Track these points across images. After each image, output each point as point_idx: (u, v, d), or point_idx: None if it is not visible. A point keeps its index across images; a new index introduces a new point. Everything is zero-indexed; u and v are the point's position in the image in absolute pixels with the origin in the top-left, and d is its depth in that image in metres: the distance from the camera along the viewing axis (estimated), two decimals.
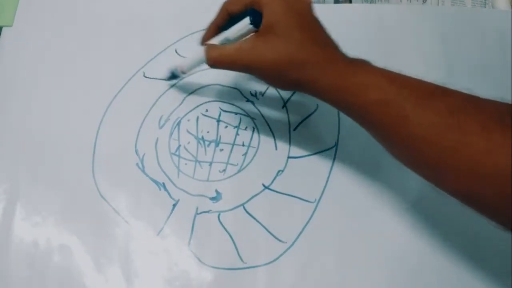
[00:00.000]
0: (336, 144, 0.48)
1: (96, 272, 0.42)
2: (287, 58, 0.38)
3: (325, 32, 0.40)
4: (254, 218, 0.45)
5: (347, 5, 0.56)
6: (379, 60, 0.52)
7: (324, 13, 0.54)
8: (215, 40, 0.43)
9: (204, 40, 0.44)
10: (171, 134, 0.48)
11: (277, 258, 0.43)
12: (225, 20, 0.42)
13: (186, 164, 0.47)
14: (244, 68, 0.40)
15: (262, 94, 0.50)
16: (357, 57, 0.38)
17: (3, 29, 0.52)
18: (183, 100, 0.50)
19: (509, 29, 0.53)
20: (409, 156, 0.36)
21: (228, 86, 0.50)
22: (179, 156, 0.47)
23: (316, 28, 0.39)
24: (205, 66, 0.42)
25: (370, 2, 0.56)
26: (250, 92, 0.50)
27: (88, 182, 0.46)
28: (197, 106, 0.49)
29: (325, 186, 0.46)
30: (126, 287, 0.42)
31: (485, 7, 0.56)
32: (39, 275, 0.42)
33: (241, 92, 0.50)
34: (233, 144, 0.48)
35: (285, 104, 0.50)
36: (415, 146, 0.34)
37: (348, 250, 0.44)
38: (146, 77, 0.51)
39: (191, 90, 0.50)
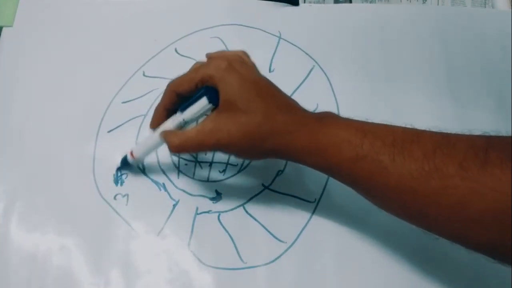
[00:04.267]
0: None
1: (96, 273, 0.42)
2: (256, 130, 0.37)
3: (284, 95, 0.39)
4: (254, 218, 0.45)
5: (347, 5, 0.56)
6: (379, 60, 0.52)
7: (324, 13, 0.55)
8: (170, 124, 0.41)
9: (155, 124, 0.42)
10: None
11: (277, 258, 0.43)
12: (173, 102, 0.41)
13: (186, 164, 0.47)
14: (213, 148, 0.39)
15: None
16: (322, 110, 0.39)
17: (3, 29, 0.52)
18: None
19: (509, 29, 0.53)
20: (393, 206, 0.35)
21: None
22: (179, 156, 0.47)
23: (276, 93, 0.39)
24: (162, 148, 0.41)
25: (370, 2, 0.56)
26: None
27: (88, 183, 0.46)
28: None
29: (325, 186, 0.46)
30: None
31: (485, 7, 0.56)
32: (39, 275, 0.42)
33: None
34: None
35: None
36: (397, 197, 0.34)
37: (347, 250, 0.44)
38: (146, 76, 0.51)
39: None
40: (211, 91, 0.38)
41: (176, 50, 0.52)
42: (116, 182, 0.46)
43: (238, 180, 0.46)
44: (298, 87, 0.51)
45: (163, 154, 0.47)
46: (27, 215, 0.44)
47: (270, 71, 0.51)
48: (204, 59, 0.50)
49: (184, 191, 0.46)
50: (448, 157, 0.32)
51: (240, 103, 0.37)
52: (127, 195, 0.45)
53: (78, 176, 0.46)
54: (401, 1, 0.56)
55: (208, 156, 0.47)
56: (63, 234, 0.44)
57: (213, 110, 0.39)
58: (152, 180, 0.46)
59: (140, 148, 0.44)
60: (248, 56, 0.41)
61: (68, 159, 0.47)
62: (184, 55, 0.52)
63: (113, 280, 0.42)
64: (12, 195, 0.45)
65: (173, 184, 0.46)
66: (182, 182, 0.46)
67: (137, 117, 0.49)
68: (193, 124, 0.40)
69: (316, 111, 0.48)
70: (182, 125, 0.40)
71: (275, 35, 0.53)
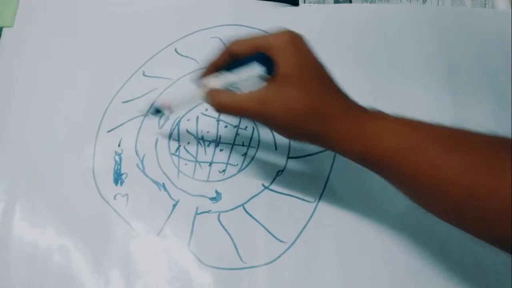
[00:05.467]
0: None
1: (96, 273, 0.42)
2: (307, 109, 0.36)
3: (337, 83, 0.39)
4: (254, 218, 0.45)
5: (347, 5, 0.56)
6: (379, 60, 0.52)
7: (324, 13, 0.55)
8: (214, 82, 0.40)
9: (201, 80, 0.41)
10: (171, 134, 0.48)
11: (277, 258, 0.43)
12: (226, 61, 0.40)
13: (186, 164, 0.47)
14: (258, 116, 0.38)
15: None
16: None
17: (4, 29, 0.52)
18: None
19: (509, 29, 0.53)
20: (437, 202, 0.33)
21: None
22: (179, 156, 0.47)
23: (331, 79, 0.38)
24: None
25: (370, 2, 0.56)
26: (250, 91, 0.50)
27: (89, 183, 0.46)
28: (197, 105, 0.49)
29: (325, 186, 0.46)
30: None
31: (485, 7, 0.56)
32: (39, 275, 0.42)
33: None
34: (233, 144, 0.48)
35: None
36: (445, 192, 0.32)
37: (347, 250, 0.44)
38: (145, 76, 0.51)
39: (191, 89, 0.50)
40: (265, 59, 0.38)
41: (176, 50, 0.52)
42: (116, 182, 0.46)
43: (238, 180, 0.46)
44: None
45: (163, 154, 0.47)
46: (27, 215, 0.44)
47: None
48: (204, 59, 0.50)
49: (184, 191, 0.46)
50: (502, 156, 0.30)
51: (297, 79, 0.37)
52: (127, 195, 0.45)
53: (78, 176, 0.46)
54: (401, 1, 0.56)
55: (208, 156, 0.47)
56: (63, 234, 0.44)
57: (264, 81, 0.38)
58: (152, 180, 0.46)
59: (177, 99, 0.42)
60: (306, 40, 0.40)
61: (68, 159, 0.47)
62: (184, 55, 0.52)
63: (113, 280, 0.42)
64: (12, 195, 0.45)
65: (173, 184, 0.46)
66: (182, 182, 0.46)
67: (137, 117, 0.49)
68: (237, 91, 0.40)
69: None
70: (228, 86, 0.40)
71: None
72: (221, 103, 0.39)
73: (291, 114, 0.36)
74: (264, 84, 0.38)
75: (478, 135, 0.33)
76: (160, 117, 0.45)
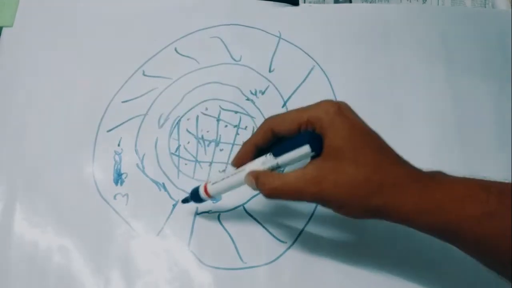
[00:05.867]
0: None
1: (96, 272, 0.42)
2: (366, 183, 0.33)
3: (394, 150, 0.36)
4: (254, 218, 0.45)
5: (347, 5, 0.56)
6: (379, 60, 0.52)
7: (324, 13, 0.55)
8: (259, 165, 0.37)
9: (239, 162, 0.39)
10: (170, 133, 0.48)
11: (277, 258, 0.43)
12: (268, 141, 0.37)
13: (186, 164, 0.47)
14: (314, 198, 0.35)
15: (262, 92, 0.50)
16: (430, 169, 0.35)
17: (3, 29, 0.52)
18: (183, 98, 0.50)
19: (509, 29, 0.53)
20: None
21: (228, 84, 0.50)
22: (179, 156, 0.47)
23: (385, 146, 0.36)
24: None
25: (370, 2, 0.56)
26: (250, 90, 0.50)
27: (88, 182, 0.46)
28: (197, 105, 0.49)
29: None
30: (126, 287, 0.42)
31: (485, 7, 0.56)
32: (39, 275, 0.42)
33: (241, 91, 0.50)
34: (233, 144, 0.48)
35: (285, 104, 0.50)
36: None
37: (347, 250, 0.44)
38: (145, 75, 0.51)
39: (191, 88, 0.50)
40: (315, 138, 0.35)
41: (176, 50, 0.52)
42: (116, 182, 0.46)
43: None
44: (298, 87, 0.51)
45: (163, 154, 0.47)
46: (27, 215, 0.44)
47: (270, 71, 0.51)
48: (204, 58, 0.51)
49: (184, 191, 0.46)
50: None
51: (349, 152, 0.34)
52: (127, 195, 0.45)
53: (78, 176, 0.46)
54: (401, 1, 0.56)
55: (208, 156, 0.47)
56: (63, 234, 0.44)
57: (312, 157, 0.36)
58: (152, 180, 0.46)
59: (219, 186, 0.39)
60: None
61: (68, 158, 0.47)
62: (184, 54, 0.52)
63: (113, 280, 0.42)
64: (12, 195, 0.45)
65: (173, 184, 0.46)
66: (182, 182, 0.46)
67: (136, 116, 0.49)
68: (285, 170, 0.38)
69: None
70: (274, 169, 0.37)
71: (275, 35, 0.53)
72: (272, 188, 0.35)
73: (349, 191, 0.34)
74: (311, 161, 0.36)
75: None
76: (200, 202, 0.42)
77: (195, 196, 0.41)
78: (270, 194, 0.36)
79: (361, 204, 0.34)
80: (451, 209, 0.32)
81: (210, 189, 0.40)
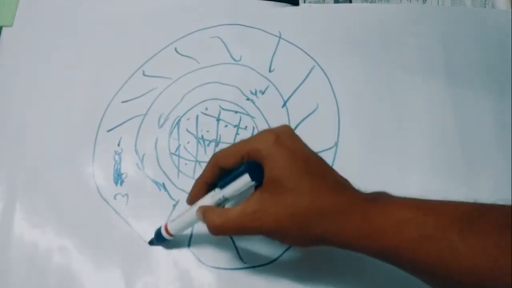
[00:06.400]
0: (336, 144, 0.48)
1: (96, 273, 0.42)
2: (304, 212, 0.34)
3: (335, 172, 0.36)
4: None
5: (347, 5, 0.56)
6: (379, 60, 0.52)
7: (324, 13, 0.55)
8: (209, 200, 0.38)
9: (193, 200, 0.40)
10: (170, 133, 0.48)
11: (277, 258, 0.43)
12: (216, 176, 0.38)
13: (186, 164, 0.47)
14: (256, 232, 0.35)
15: (262, 92, 0.50)
16: (373, 191, 0.35)
17: (3, 29, 0.52)
18: (183, 98, 0.50)
19: (509, 29, 0.53)
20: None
21: (228, 84, 0.50)
22: (179, 156, 0.47)
23: (326, 171, 0.36)
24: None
25: (370, 2, 0.56)
26: (250, 90, 0.50)
27: (88, 182, 0.46)
28: (197, 104, 0.49)
29: None
30: None
31: (485, 7, 0.56)
32: (39, 275, 0.42)
33: (241, 91, 0.50)
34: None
35: (285, 103, 0.50)
36: (472, 281, 0.30)
37: (347, 250, 0.43)
38: (145, 75, 0.51)
39: (191, 88, 0.50)
40: (254, 168, 0.35)
41: (176, 50, 0.52)
42: (116, 182, 0.46)
43: None
44: (298, 87, 0.51)
45: (163, 154, 0.47)
46: (27, 215, 0.44)
47: (270, 71, 0.51)
48: (204, 58, 0.51)
49: (184, 191, 0.46)
50: None
51: (288, 181, 0.34)
52: (127, 195, 0.45)
53: (78, 176, 0.46)
54: (401, 1, 0.56)
55: (208, 156, 0.47)
56: (63, 234, 0.44)
57: (256, 187, 0.36)
58: (152, 180, 0.46)
59: (176, 225, 0.41)
60: (293, 130, 0.38)
61: (68, 158, 0.47)
62: (184, 54, 0.52)
63: (113, 280, 0.42)
64: (12, 195, 0.45)
65: (173, 184, 0.46)
66: (182, 182, 0.46)
67: (136, 116, 0.49)
68: (234, 201, 0.38)
69: (316, 111, 0.49)
70: (222, 202, 0.38)
71: (275, 35, 0.53)
72: (215, 226, 0.36)
73: (289, 221, 0.34)
74: (254, 192, 0.36)
75: (492, 210, 0.32)
76: (164, 242, 0.43)
77: (159, 237, 0.42)
78: (214, 232, 0.37)
79: (303, 234, 0.34)
80: (390, 234, 0.32)
81: (170, 228, 0.41)
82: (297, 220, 0.34)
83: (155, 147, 0.48)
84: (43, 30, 0.53)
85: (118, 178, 0.46)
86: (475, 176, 0.47)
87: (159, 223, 0.44)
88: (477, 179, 0.46)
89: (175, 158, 0.47)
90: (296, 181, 0.34)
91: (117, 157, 0.47)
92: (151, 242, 0.43)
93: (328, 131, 0.48)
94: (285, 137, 0.36)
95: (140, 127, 0.48)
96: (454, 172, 0.41)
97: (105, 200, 0.45)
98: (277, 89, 0.50)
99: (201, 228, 0.44)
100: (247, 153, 0.36)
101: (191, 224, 0.40)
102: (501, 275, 0.29)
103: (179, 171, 0.47)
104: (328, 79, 0.51)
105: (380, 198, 0.34)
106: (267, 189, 0.35)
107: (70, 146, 0.47)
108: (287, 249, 0.43)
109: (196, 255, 0.43)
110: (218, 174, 0.38)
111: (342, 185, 0.36)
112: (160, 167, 0.47)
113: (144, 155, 0.47)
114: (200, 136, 0.48)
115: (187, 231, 0.44)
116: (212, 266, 0.43)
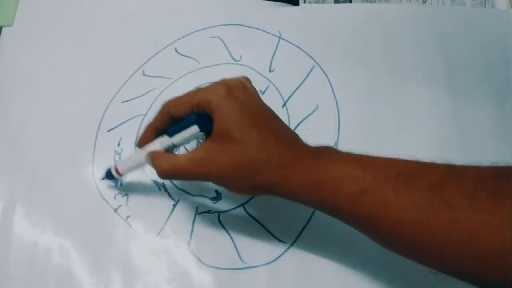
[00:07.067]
0: (336, 144, 0.48)
1: (96, 272, 0.42)
2: (248, 162, 0.35)
3: (284, 125, 0.37)
4: (254, 218, 0.45)
5: (347, 5, 0.56)
6: (379, 60, 0.52)
7: (324, 13, 0.55)
8: (158, 146, 0.39)
9: (142, 143, 0.40)
10: None
11: (277, 258, 0.43)
12: (166, 123, 0.39)
13: None
14: (202, 178, 0.37)
15: (262, 92, 0.50)
16: (319, 144, 0.37)
17: (3, 29, 0.52)
18: None
19: (509, 29, 0.53)
20: (398, 244, 0.33)
21: None
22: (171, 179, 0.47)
23: (274, 124, 0.37)
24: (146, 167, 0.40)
25: (370, 2, 0.56)
26: None
27: (88, 182, 0.46)
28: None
29: None
30: None
31: (485, 7, 0.56)
32: (39, 275, 0.42)
33: None
34: None
35: (285, 103, 0.50)
36: (402, 233, 0.32)
37: (348, 250, 0.44)
38: (145, 75, 0.51)
39: (191, 88, 0.50)
40: (203, 119, 0.36)
41: (176, 50, 0.52)
42: (116, 181, 0.46)
43: None
44: (298, 87, 0.51)
45: None
46: (27, 215, 0.44)
47: (270, 71, 0.51)
48: (204, 58, 0.51)
49: (184, 191, 0.46)
50: (456, 188, 0.30)
51: (235, 133, 0.35)
52: (127, 195, 0.45)
53: (78, 176, 0.46)
54: (401, 1, 0.56)
55: None
56: (63, 234, 0.44)
57: (207, 136, 0.37)
58: (152, 180, 0.46)
59: (125, 165, 0.42)
60: (250, 82, 0.39)
61: (68, 158, 0.47)
62: (184, 54, 0.52)
63: (113, 280, 0.42)
64: (12, 195, 0.45)
65: (173, 184, 0.46)
66: (182, 182, 0.46)
67: (136, 116, 0.49)
68: (182, 147, 0.39)
69: (316, 111, 0.49)
70: (171, 148, 0.39)
71: (275, 35, 0.53)
72: (163, 170, 0.37)
73: (234, 170, 0.35)
74: (203, 142, 0.37)
75: (429, 168, 0.33)
76: (115, 181, 0.45)
77: (109, 174, 0.44)
78: (162, 175, 0.38)
79: (246, 182, 0.36)
80: (331, 187, 0.33)
81: (119, 167, 0.42)
82: (241, 169, 0.35)
83: None
84: (43, 30, 0.53)
85: (118, 178, 0.46)
86: None
87: (159, 223, 0.44)
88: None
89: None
90: (242, 133, 0.35)
91: (117, 157, 0.47)
92: (102, 178, 0.45)
93: (328, 131, 0.48)
94: (236, 89, 0.37)
95: (140, 127, 0.48)
96: None
97: (105, 200, 0.45)
98: (277, 89, 0.50)
99: (201, 228, 0.44)
100: (197, 104, 0.37)
101: (139, 165, 0.41)
102: (430, 228, 0.30)
103: None
104: (328, 79, 0.51)
105: (325, 153, 0.36)
106: (215, 139, 0.36)
107: (70, 146, 0.47)
108: (287, 249, 0.43)
109: (196, 255, 0.43)
110: (168, 122, 0.39)
111: (289, 138, 0.37)
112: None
113: None
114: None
115: (187, 231, 0.44)
116: (212, 266, 0.43)
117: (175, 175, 0.38)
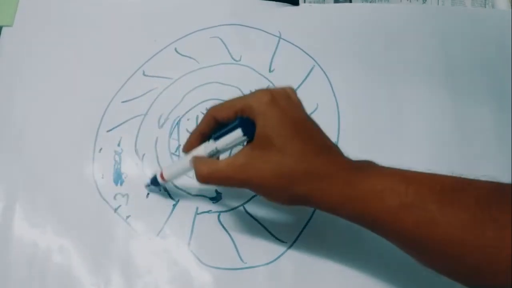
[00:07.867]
0: (336, 144, 0.48)
1: (96, 272, 0.42)
2: (288, 172, 0.34)
3: (325, 137, 0.37)
4: (254, 218, 0.45)
5: (347, 5, 0.56)
6: (379, 60, 0.52)
7: (324, 13, 0.55)
8: (202, 151, 0.39)
9: (188, 148, 0.41)
10: (170, 133, 0.48)
11: (277, 258, 0.43)
12: (211, 128, 0.39)
13: None
14: (241, 184, 0.36)
15: None
16: (360, 159, 0.36)
17: (3, 29, 0.52)
18: (183, 98, 0.50)
19: (509, 29, 0.53)
20: (441, 262, 0.32)
21: (228, 84, 0.50)
22: (179, 156, 0.47)
23: (316, 135, 0.37)
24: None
25: (370, 2, 0.56)
26: (250, 90, 0.49)
27: (88, 182, 0.46)
28: (197, 105, 0.49)
29: None
30: None
31: (485, 7, 0.56)
32: (39, 275, 0.42)
33: (241, 91, 0.50)
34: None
35: None
36: (446, 250, 0.31)
37: (348, 250, 0.44)
38: (145, 75, 0.51)
39: (191, 88, 0.50)
40: (247, 123, 0.36)
41: (176, 50, 0.52)
42: (116, 182, 0.46)
43: None
44: (298, 87, 0.51)
45: (163, 154, 0.47)
46: (27, 215, 0.44)
47: (270, 71, 0.51)
48: (204, 58, 0.51)
49: (184, 191, 0.46)
50: (503, 206, 0.29)
51: (276, 141, 0.35)
52: (127, 195, 0.45)
53: (78, 176, 0.46)
54: (401, 1, 0.56)
55: None
56: (63, 234, 0.44)
57: (248, 142, 0.37)
58: None
59: (171, 171, 0.42)
60: (295, 93, 0.39)
61: (68, 158, 0.47)
62: (184, 54, 0.52)
63: (113, 280, 0.42)
64: (12, 195, 0.45)
65: (173, 184, 0.46)
66: (182, 182, 0.46)
67: (136, 116, 0.49)
68: (227, 154, 0.39)
69: (316, 111, 0.49)
70: (215, 153, 0.39)
71: (275, 35, 0.53)
72: (203, 175, 0.37)
73: (274, 179, 0.35)
74: (243, 148, 0.37)
75: (473, 184, 0.33)
76: (158, 186, 0.45)
77: (154, 181, 0.43)
78: (201, 180, 0.38)
79: (286, 192, 0.35)
80: (372, 200, 0.33)
81: (164, 173, 0.42)
82: (280, 179, 0.35)
83: (155, 147, 0.48)
84: (43, 30, 0.53)
85: (118, 178, 0.46)
86: (475, 176, 0.47)
87: (159, 223, 0.44)
88: (477, 178, 0.46)
89: (175, 158, 0.47)
90: (283, 142, 0.35)
91: (117, 157, 0.47)
92: (148, 185, 0.44)
93: (328, 131, 0.48)
94: (280, 98, 0.37)
95: (140, 127, 0.48)
96: (454, 172, 0.41)
97: (105, 200, 0.45)
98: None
99: (201, 228, 0.44)
100: (241, 109, 0.37)
101: (184, 171, 0.41)
102: (477, 247, 0.30)
103: None
104: (328, 79, 0.51)
105: (365, 167, 0.35)
106: (257, 145, 0.36)
107: (70, 146, 0.47)
108: (287, 249, 0.43)
109: (196, 255, 0.43)
110: (213, 126, 0.39)
111: (330, 149, 0.37)
112: (160, 167, 0.47)
113: (144, 155, 0.47)
114: None
115: (187, 231, 0.44)
116: (212, 266, 0.43)
117: (214, 180, 0.37)
